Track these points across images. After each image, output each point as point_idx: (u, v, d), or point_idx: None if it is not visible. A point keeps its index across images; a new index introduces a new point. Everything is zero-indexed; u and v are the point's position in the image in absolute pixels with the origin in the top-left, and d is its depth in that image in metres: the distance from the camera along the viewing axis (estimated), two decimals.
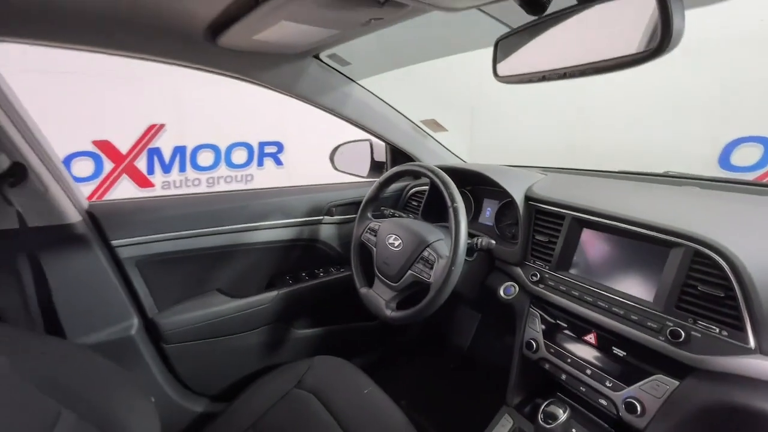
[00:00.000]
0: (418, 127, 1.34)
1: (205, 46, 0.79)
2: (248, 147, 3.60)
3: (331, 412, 0.93)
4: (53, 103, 2.51)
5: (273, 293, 1.20)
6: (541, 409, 0.71)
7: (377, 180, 1.09)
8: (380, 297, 0.98)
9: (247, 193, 1.25)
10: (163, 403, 1.04)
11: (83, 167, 2.89)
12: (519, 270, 0.94)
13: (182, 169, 3.36)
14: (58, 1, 0.62)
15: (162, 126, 3.17)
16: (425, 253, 0.91)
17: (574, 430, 0.77)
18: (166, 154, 3.25)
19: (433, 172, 0.93)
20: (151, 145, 3.16)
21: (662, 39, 0.39)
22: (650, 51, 0.41)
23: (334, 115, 1.13)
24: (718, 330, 0.61)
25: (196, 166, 3.42)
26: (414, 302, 0.90)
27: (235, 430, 0.91)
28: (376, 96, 1.18)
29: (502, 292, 0.96)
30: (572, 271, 0.85)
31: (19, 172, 0.77)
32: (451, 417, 1.29)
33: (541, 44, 0.56)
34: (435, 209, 1.18)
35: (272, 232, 1.21)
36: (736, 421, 0.58)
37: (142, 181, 3.16)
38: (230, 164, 3.56)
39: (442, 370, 1.55)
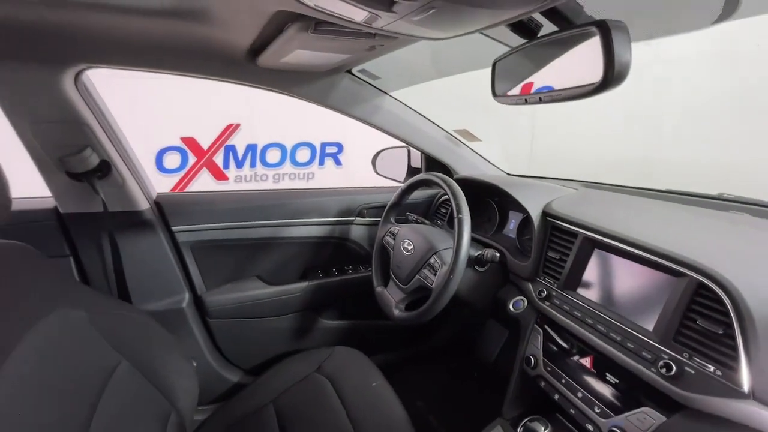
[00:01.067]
0: (453, 136, 1.37)
1: (247, 66, 0.92)
2: (311, 147, 3.85)
3: (341, 399, 1.01)
4: (150, 103, 2.95)
5: (304, 284, 1.32)
6: (522, 423, 0.72)
7: (400, 187, 1.15)
8: (391, 297, 1.04)
9: (287, 192, 1.39)
10: (204, 368, 1.21)
11: (172, 160, 3.35)
12: (529, 285, 0.94)
13: (252, 165, 3.70)
14: (135, 37, 0.79)
15: (238, 125, 3.53)
16: (431, 260, 0.95)
17: None
18: (240, 151, 3.62)
19: (445, 182, 0.96)
20: (227, 143, 3.54)
21: (606, 73, 0.40)
22: (598, 84, 0.42)
23: (368, 124, 1.21)
24: (713, 369, 0.57)
25: (264, 163, 3.75)
26: (421, 305, 0.95)
27: (258, 402, 1.04)
28: (407, 107, 1.24)
29: (511, 306, 0.97)
30: (579, 290, 0.83)
31: (105, 168, 0.97)
32: (458, 423, 1.30)
33: (525, 68, 0.58)
34: None
35: (308, 228, 1.33)
36: None
37: (219, 175, 3.56)
38: (294, 162, 3.84)
39: (465, 379, 1.55)
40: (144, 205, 1.08)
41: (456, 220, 0.88)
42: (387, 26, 0.52)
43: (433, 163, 1.42)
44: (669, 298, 0.66)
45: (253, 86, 1.02)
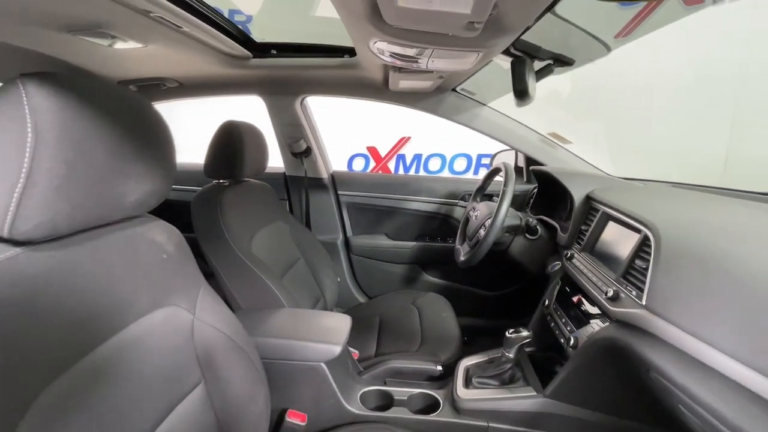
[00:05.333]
0: (547, 139, 1.62)
1: (384, 90, 1.50)
2: (468, 157, 4.30)
3: (421, 321, 1.47)
4: (351, 121, 4.02)
5: (415, 244, 1.82)
6: (511, 327, 1.02)
7: (485, 174, 1.52)
8: (461, 250, 1.43)
9: (411, 176, 1.92)
10: (343, 285, 1.86)
11: (358, 164, 4.40)
12: (565, 252, 1.18)
13: (417, 171, 4.44)
14: (330, 79, 1.47)
15: (409, 138, 4.33)
16: (487, 222, 1.30)
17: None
18: (408, 159, 4.40)
19: (505, 167, 1.30)
20: (399, 152, 4.38)
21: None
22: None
23: (471, 129, 1.63)
24: (635, 293, 0.78)
25: (427, 170, 4.43)
26: None
27: (371, 313, 1.60)
28: (503, 114, 1.59)
29: (549, 267, 1.22)
30: (591, 252, 1.05)
31: (308, 151, 1.72)
32: None
33: None
34: (544, 205, 1.49)
35: (423, 204, 1.83)
36: (624, 356, 0.76)
37: None
38: (452, 170, 4.37)
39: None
40: (325, 175, 1.81)
41: (501, 191, 1.22)
42: (429, 66, 0.98)
43: (533, 163, 1.69)
44: (632, 249, 0.86)
45: (392, 103, 1.60)
